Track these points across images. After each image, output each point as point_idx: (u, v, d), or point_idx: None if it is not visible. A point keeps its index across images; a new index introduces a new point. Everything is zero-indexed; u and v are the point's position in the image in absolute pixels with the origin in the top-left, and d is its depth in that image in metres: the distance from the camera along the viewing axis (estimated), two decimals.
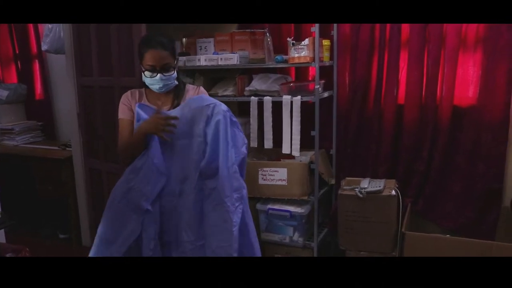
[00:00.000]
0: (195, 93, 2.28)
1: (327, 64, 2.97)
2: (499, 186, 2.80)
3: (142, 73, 2.17)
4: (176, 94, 2.25)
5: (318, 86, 2.78)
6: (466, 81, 2.82)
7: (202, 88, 2.34)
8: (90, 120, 3.36)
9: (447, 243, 2.61)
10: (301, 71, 3.26)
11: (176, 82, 2.23)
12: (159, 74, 2.13)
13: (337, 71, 3.08)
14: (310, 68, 3.18)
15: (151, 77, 2.14)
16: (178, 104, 2.20)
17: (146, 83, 2.20)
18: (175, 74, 2.18)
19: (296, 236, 2.94)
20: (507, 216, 2.79)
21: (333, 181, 3.13)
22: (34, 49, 4.28)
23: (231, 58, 2.94)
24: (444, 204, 2.96)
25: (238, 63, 2.94)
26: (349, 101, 3.10)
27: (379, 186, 2.71)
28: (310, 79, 3.19)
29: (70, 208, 3.68)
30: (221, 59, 2.96)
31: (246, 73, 3.16)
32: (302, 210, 2.87)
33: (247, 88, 3.00)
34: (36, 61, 4.29)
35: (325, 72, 3.01)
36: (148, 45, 2.13)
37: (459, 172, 2.90)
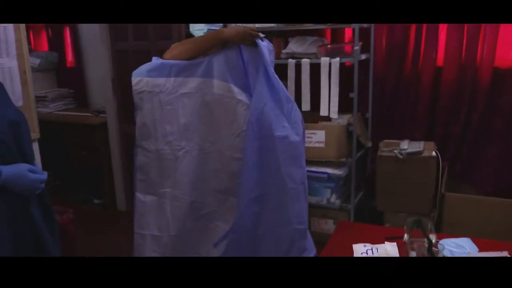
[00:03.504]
0: None
1: (365, 26, 2.93)
2: None
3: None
4: None
5: (358, 48, 2.76)
6: (508, 41, 2.77)
7: None
8: (124, 85, 3.37)
9: (486, 204, 2.62)
10: (337, 33, 3.23)
11: None
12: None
13: (374, 33, 3.04)
14: (346, 30, 3.15)
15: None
16: None
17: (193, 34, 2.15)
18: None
19: (333, 198, 2.95)
20: None
21: (369, 144, 3.12)
22: None
23: None
24: (482, 167, 2.95)
25: (274, 25, 2.92)
26: (386, 63, 3.07)
27: (419, 147, 2.71)
28: (346, 41, 3.16)
29: (104, 173, 3.74)
30: None
31: (281, 36, 3.13)
32: (340, 172, 2.88)
33: (283, 51, 2.99)
34: (67, 28, 4.29)
35: (362, 34, 2.96)
36: None
37: (497, 135, 2.88)
